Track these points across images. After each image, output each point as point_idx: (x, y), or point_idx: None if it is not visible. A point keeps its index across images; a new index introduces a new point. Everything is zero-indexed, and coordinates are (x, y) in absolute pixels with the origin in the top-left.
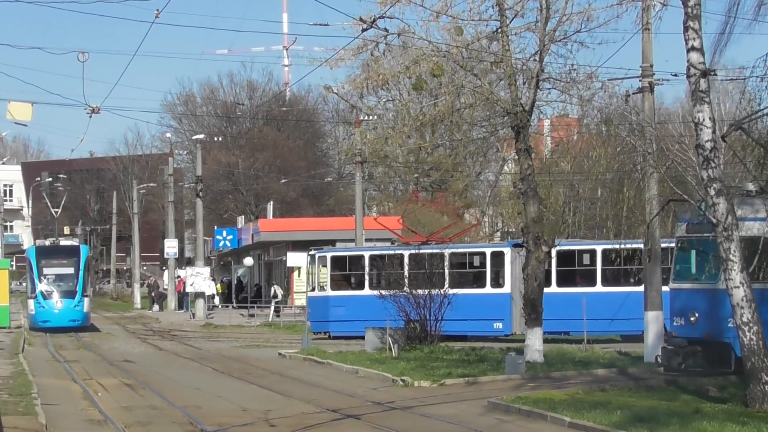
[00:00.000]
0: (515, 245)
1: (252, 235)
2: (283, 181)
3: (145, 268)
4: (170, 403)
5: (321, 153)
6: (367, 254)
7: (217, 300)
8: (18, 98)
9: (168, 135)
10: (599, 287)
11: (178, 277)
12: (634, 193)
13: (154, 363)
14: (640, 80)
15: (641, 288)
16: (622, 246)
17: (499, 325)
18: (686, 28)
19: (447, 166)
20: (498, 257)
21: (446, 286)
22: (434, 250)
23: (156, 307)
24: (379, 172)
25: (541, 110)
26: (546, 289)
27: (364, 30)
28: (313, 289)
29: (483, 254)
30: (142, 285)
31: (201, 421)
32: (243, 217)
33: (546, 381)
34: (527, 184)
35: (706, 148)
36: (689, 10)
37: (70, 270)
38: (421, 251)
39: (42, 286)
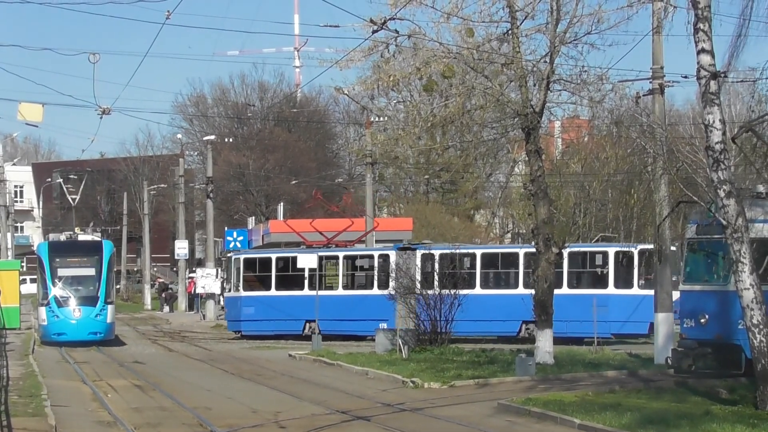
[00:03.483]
0: (400, 248)
1: (262, 236)
2: (294, 182)
3: (155, 269)
4: (180, 405)
5: (332, 154)
6: (274, 256)
7: None
8: (29, 99)
9: (179, 136)
10: (478, 290)
11: (190, 278)
12: (644, 194)
13: (164, 364)
14: (650, 82)
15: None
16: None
17: (384, 325)
18: (696, 30)
19: (457, 167)
20: (385, 260)
21: (340, 287)
22: (331, 253)
23: (166, 308)
24: (389, 173)
25: (551, 112)
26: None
27: (374, 31)
28: (229, 290)
29: (371, 257)
30: (152, 286)
31: (211, 422)
32: (253, 218)
33: (556, 383)
34: (537, 185)
35: (716, 150)
36: (699, 12)
37: (91, 271)
38: (319, 254)
39: (56, 291)
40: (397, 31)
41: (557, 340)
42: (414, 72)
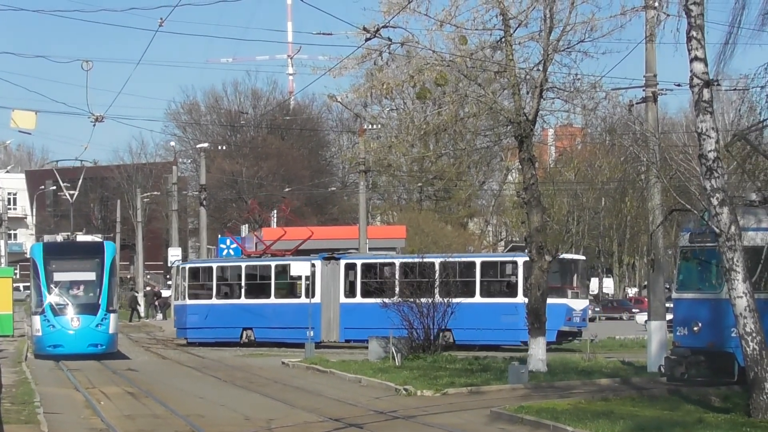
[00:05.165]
0: (325, 258)
1: (255, 243)
2: (287, 189)
3: (149, 276)
4: (173, 412)
5: (325, 162)
6: (215, 266)
7: None
8: (22, 106)
9: (172, 143)
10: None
11: None
12: (638, 202)
13: (157, 371)
14: (643, 90)
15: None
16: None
17: (311, 333)
18: (689, 39)
19: (451, 175)
20: (311, 269)
21: (272, 296)
22: (263, 263)
23: (159, 315)
24: (382, 181)
25: (544, 119)
26: (352, 300)
27: (368, 39)
28: (177, 299)
29: (299, 266)
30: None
31: (203, 430)
32: (246, 225)
33: (549, 390)
34: (530, 193)
35: (709, 158)
36: (692, 20)
37: (91, 275)
38: (253, 263)
39: (52, 298)
40: (390, 39)
41: (469, 348)
42: (407, 80)
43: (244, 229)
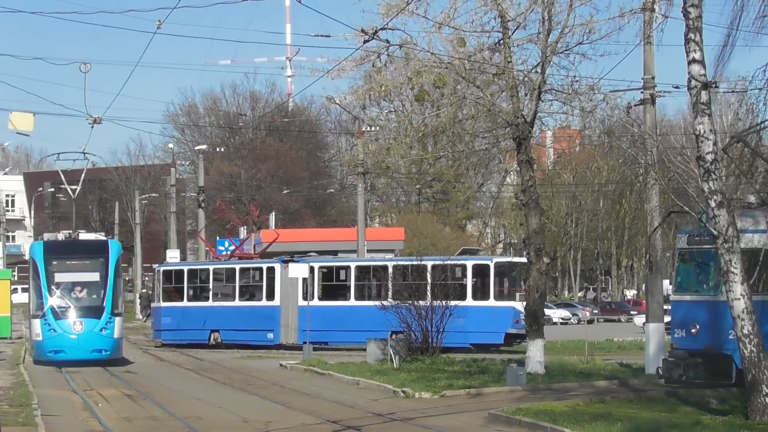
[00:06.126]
0: (284, 261)
1: (254, 245)
2: (286, 191)
3: (147, 278)
4: (171, 414)
5: (323, 164)
6: (186, 269)
7: None
8: (20, 108)
9: (170, 145)
10: (352, 301)
11: None
12: (636, 204)
13: (155, 373)
14: (641, 92)
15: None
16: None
17: (270, 335)
18: (687, 41)
19: (449, 177)
20: (271, 272)
21: (237, 299)
22: (228, 266)
23: None
24: (381, 183)
25: (543, 122)
26: (310, 303)
27: (366, 41)
28: (154, 301)
29: (260, 269)
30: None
31: None
32: (245, 227)
33: (547, 392)
34: (529, 195)
35: (707, 160)
36: (690, 22)
37: (95, 275)
38: (220, 266)
39: (53, 300)
40: (388, 41)
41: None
42: (405, 82)
43: (242, 231)
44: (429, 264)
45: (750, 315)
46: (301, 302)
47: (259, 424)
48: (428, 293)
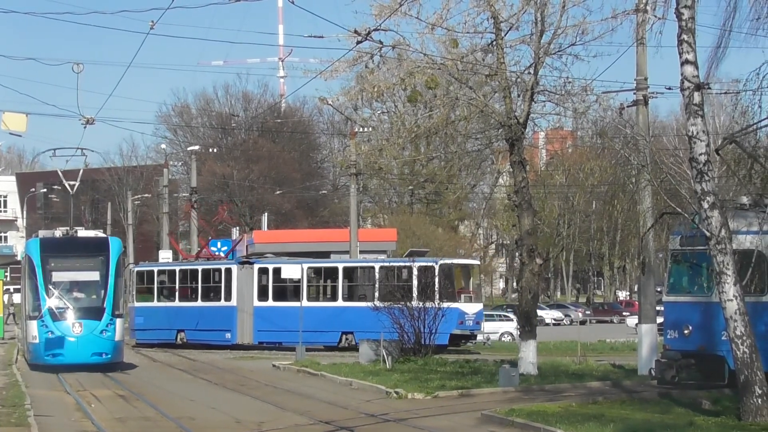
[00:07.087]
0: (241, 262)
1: (246, 246)
2: (278, 192)
3: None
4: (164, 415)
5: (316, 165)
6: (156, 269)
7: None
8: (12, 109)
9: (163, 146)
10: (305, 302)
11: None
12: (628, 206)
13: (147, 374)
14: (634, 93)
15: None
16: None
17: (228, 335)
18: (680, 42)
19: (442, 178)
20: (228, 273)
21: (199, 299)
22: (192, 267)
23: None
24: (374, 183)
25: (535, 123)
26: (265, 303)
27: (359, 42)
28: (129, 301)
29: (219, 270)
30: None
31: None
32: (238, 228)
33: (540, 393)
34: (521, 196)
35: (699, 162)
36: (683, 23)
37: (95, 275)
38: (184, 267)
39: (51, 301)
40: (381, 42)
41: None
42: (398, 83)
43: (235, 232)
44: (377, 266)
45: (742, 316)
46: (256, 302)
47: (251, 424)
48: (376, 294)
